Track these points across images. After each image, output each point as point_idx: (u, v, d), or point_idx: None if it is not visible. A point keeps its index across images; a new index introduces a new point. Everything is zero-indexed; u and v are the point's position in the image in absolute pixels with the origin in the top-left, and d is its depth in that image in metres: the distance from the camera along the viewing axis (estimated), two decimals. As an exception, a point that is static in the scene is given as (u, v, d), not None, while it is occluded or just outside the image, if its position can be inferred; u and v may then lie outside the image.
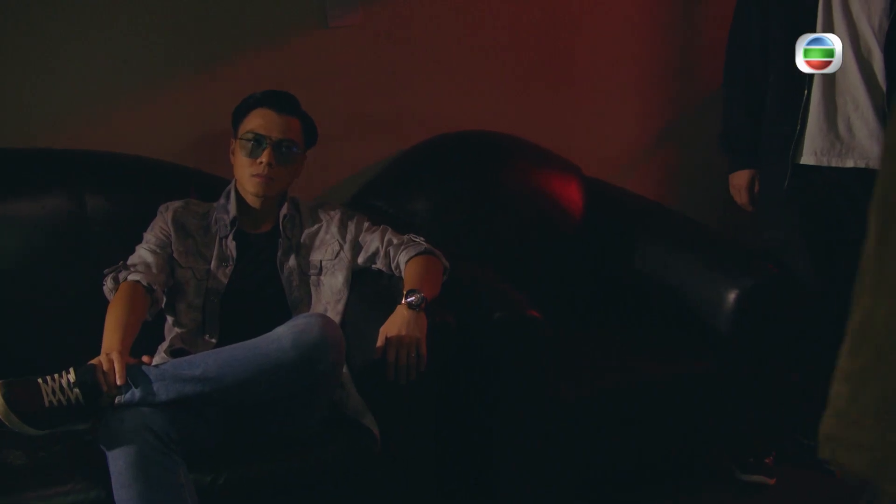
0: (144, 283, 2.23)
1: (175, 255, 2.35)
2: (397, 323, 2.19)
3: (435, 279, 2.35)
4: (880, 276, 0.85)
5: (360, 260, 2.45)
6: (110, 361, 1.98)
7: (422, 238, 2.44)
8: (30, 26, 2.58)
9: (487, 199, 2.98)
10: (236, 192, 2.43)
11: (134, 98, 2.73)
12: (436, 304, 2.28)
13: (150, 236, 2.37)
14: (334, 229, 2.45)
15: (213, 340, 2.29)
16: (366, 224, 2.49)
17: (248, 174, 2.35)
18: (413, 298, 2.21)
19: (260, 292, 2.37)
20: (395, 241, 2.43)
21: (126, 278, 2.24)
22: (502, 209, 2.97)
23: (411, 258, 2.38)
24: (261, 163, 2.32)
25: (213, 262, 2.36)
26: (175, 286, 2.35)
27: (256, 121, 2.36)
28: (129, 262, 2.30)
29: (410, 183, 2.97)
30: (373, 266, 2.46)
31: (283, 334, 2.03)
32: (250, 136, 2.34)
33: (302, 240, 2.44)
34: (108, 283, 2.26)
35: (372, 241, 2.44)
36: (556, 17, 3.20)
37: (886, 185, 0.85)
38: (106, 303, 2.22)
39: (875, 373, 0.86)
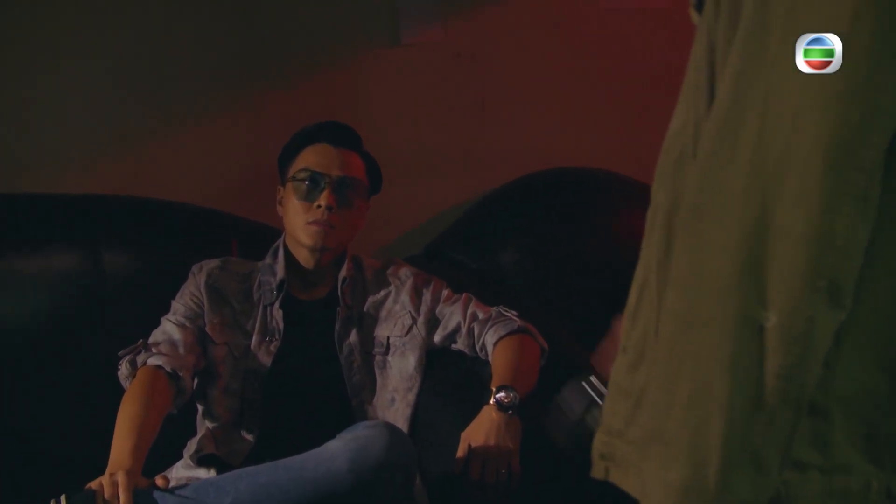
0: (168, 368, 1.90)
1: (208, 328, 2.02)
2: (484, 429, 1.85)
3: (530, 367, 2.01)
4: (663, 292, 0.87)
5: (437, 338, 2.12)
6: (114, 486, 1.63)
7: (514, 312, 2.10)
8: (29, 39, 2.36)
9: (589, 248, 2.68)
10: (285, 248, 2.11)
11: (162, 131, 2.52)
12: (532, 398, 1.93)
13: (179, 305, 2.04)
14: (405, 298, 2.12)
15: (250, 437, 1.96)
16: (444, 292, 2.15)
17: (302, 222, 2.04)
18: (503, 396, 1.87)
19: (312, 375, 2.05)
20: (480, 316, 2.09)
21: (145, 362, 1.91)
22: (607, 260, 2.64)
23: (501, 339, 2.05)
24: (318, 206, 2.02)
25: (254, 337, 2.04)
26: (207, 368, 2.01)
27: (311, 157, 2.07)
28: (151, 339, 1.98)
29: (496, 230, 2.69)
30: (452, 346, 2.13)
31: (337, 453, 1.70)
32: (304, 174, 2.04)
33: (365, 309, 2.12)
34: (124, 369, 1.92)
35: (452, 315, 2.11)
36: (672, 39, 2.92)
37: (673, 199, 0.87)
38: (125, 385, 1.94)
39: (656, 395, 0.87)
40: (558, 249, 2.67)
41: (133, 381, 1.88)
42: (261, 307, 2.07)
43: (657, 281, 0.89)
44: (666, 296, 0.87)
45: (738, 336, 0.78)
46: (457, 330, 2.10)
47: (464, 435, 1.86)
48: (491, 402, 1.87)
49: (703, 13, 0.89)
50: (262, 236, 2.26)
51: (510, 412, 1.84)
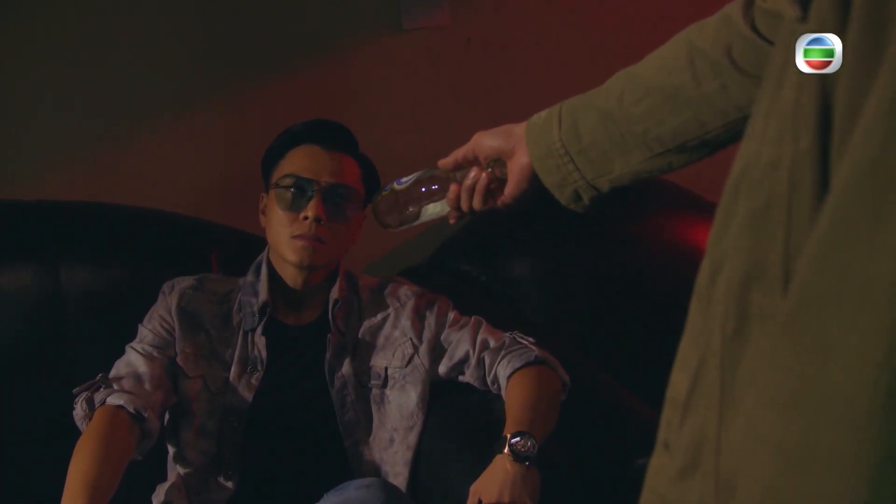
0: (130, 408, 1.71)
1: (180, 358, 1.84)
2: (497, 483, 1.66)
3: (550, 405, 1.82)
4: (729, 385, 0.72)
5: (443, 369, 1.94)
6: None
7: (530, 339, 1.91)
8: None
9: (615, 257, 2.53)
10: (269, 265, 1.94)
11: (132, 128, 2.44)
12: (551, 440, 1.75)
13: (147, 331, 1.87)
14: (406, 322, 1.95)
15: (229, 485, 1.80)
16: (451, 315, 1.97)
17: (286, 236, 1.88)
18: (519, 443, 1.68)
19: (300, 411, 1.89)
20: (491, 344, 1.91)
21: (104, 401, 1.72)
22: (636, 271, 2.52)
23: (515, 371, 1.86)
24: (305, 218, 1.86)
25: (233, 368, 1.87)
26: (179, 404, 1.85)
27: (298, 161, 1.91)
28: (113, 373, 1.79)
29: (509, 240, 2.53)
30: (460, 378, 1.95)
31: None
32: (289, 181, 1.88)
33: (360, 335, 1.95)
34: (79, 409, 1.74)
35: (459, 343, 1.93)
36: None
37: (754, 266, 0.71)
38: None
39: None
40: (578, 258, 2.52)
41: (89, 424, 1.70)
42: (241, 333, 1.90)
43: (721, 370, 0.73)
44: (752, 413, 0.68)
45: (880, 482, 0.61)
46: (465, 360, 1.93)
47: (473, 488, 1.68)
48: (505, 450, 1.68)
49: (812, 12, 0.70)
50: (246, 247, 2.11)
51: (527, 462, 1.66)
